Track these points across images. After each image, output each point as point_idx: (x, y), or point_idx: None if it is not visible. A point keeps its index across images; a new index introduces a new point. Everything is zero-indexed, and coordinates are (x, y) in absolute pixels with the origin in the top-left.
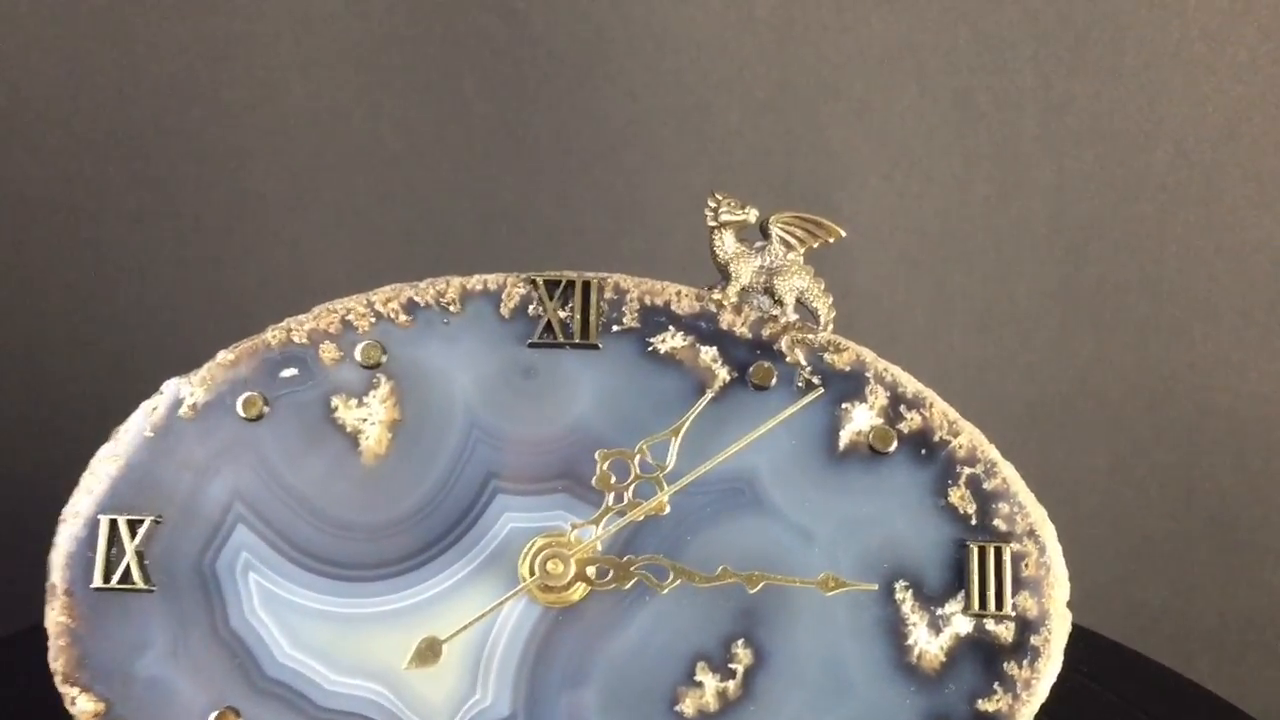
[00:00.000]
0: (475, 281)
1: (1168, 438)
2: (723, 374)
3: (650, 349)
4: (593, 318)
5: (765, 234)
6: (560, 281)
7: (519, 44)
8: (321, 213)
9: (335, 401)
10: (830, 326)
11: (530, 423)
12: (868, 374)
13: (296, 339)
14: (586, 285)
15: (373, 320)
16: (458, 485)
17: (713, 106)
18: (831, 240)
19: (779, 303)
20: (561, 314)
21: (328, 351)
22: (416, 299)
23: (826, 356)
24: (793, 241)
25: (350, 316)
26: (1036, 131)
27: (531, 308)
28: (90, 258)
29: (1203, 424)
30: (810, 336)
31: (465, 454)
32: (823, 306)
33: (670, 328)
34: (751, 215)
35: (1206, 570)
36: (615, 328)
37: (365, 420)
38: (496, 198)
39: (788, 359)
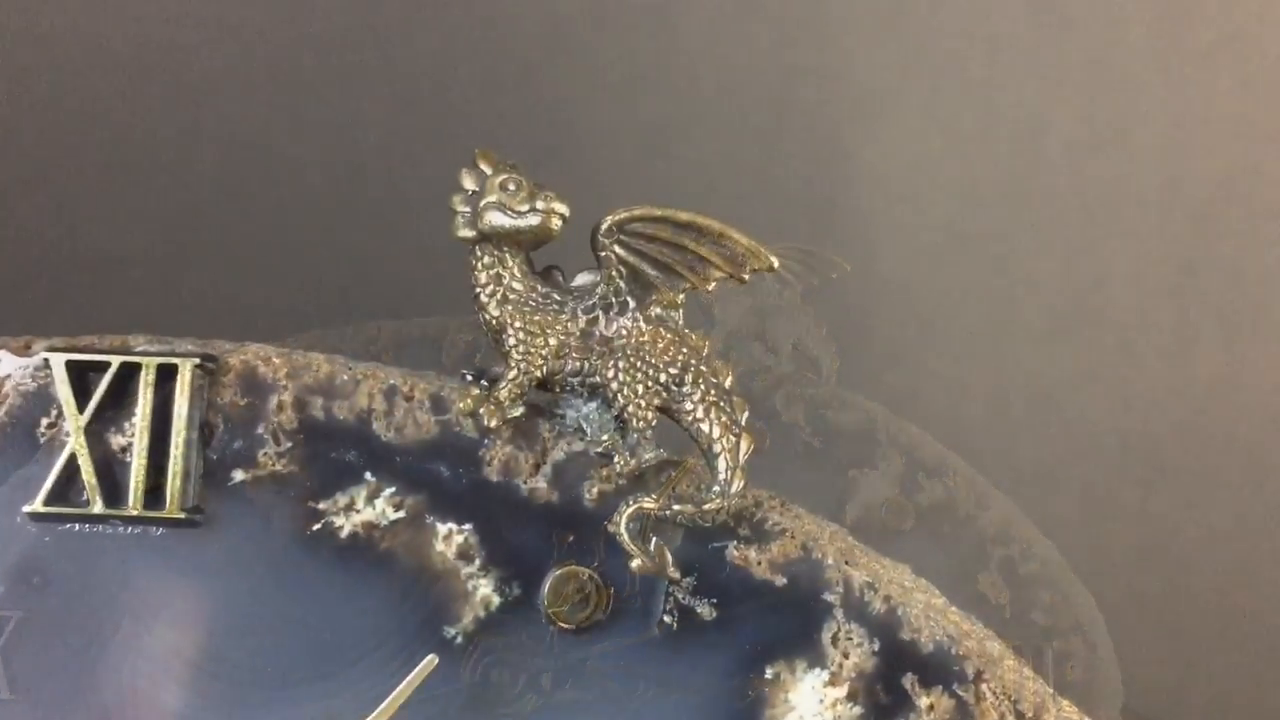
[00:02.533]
0: None
1: None
2: (485, 591)
3: (321, 527)
4: (178, 450)
5: (599, 255)
6: (106, 364)
7: (454, 75)
8: (242, 255)
9: None
10: (743, 470)
11: (53, 689)
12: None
13: None
14: (166, 373)
15: None
16: None
17: (685, 8)
18: (760, 268)
19: (616, 428)
20: (115, 441)
21: None
22: None
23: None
24: (648, 273)
25: None
26: (1149, 46)
27: (44, 423)
28: None
29: None
30: (682, 504)
31: None
32: (718, 427)
33: (367, 473)
34: (552, 215)
35: None
36: (240, 472)
37: None
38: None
39: (638, 563)
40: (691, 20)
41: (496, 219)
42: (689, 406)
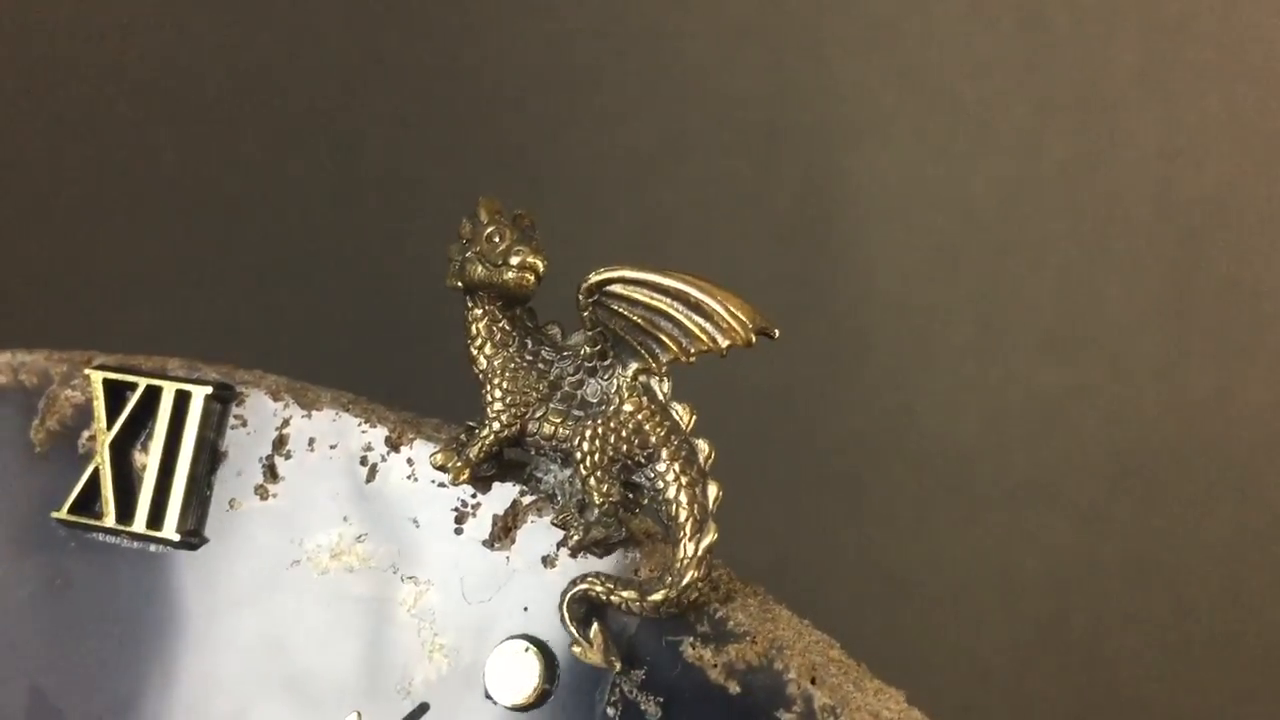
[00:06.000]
0: (1, 365)
1: None
2: (438, 654)
3: (302, 564)
4: (184, 470)
5: (583, 315)
6: (136, 384)
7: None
8: (245, 277)
9: None
10: (700, 562)
11: (70, 688)
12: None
13: None
14: (183, 399)
15: None
16: None
17: (679, 30)
18: (737, 342)
19: (581, 499)
20: (138, 458)
21: None
22: None
23: (689, 647)
24: (629, 339)
25: None
26: (1139, 64)
27: (85, 435)
28: None
29: None
30: (627, 591)
31: None
32: (684, 510)
33: (346, 517)
34: (525, 271)
35: None
36: (238, 502)
37: None
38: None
39: (578, 648)
40: (686, 44)
41: (476, 271)
42: (660, 485)
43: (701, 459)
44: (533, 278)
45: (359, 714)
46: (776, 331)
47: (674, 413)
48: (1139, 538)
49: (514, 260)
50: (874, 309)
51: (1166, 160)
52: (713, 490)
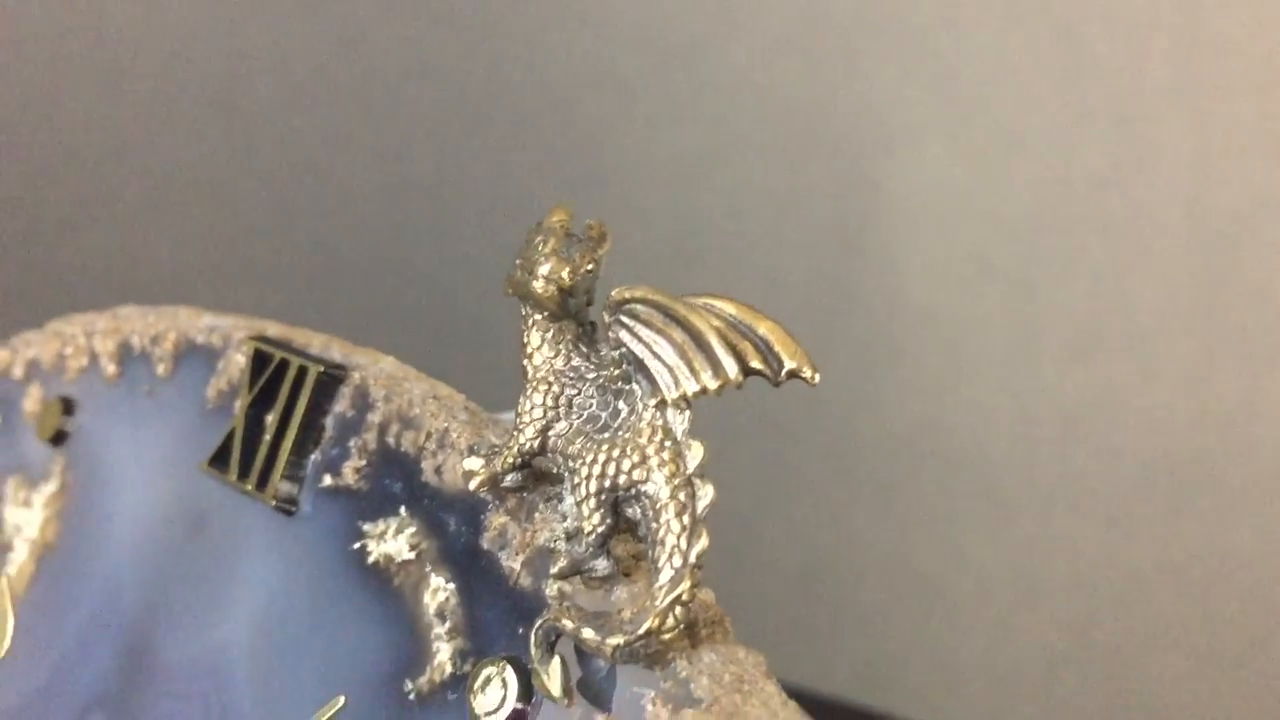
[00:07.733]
0: (202, 327)
1: None
2: (443, 657)
3: (359, 548)
4: (288, 443)
5: (607, 334)
6: (272, 357)
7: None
8: (290, 276)
9: (10, 486)
10: (665, 613)
11: (179, 623)
12: None
13: (16, 371)
14: (302, 373)
15: (85, 361)
16: (63, 694)
17: (717, 39)
18: (726, 383)
19: (579, 525)
20: (268, 419)
21: (32, 399)
22: (133, 340)
23: (650, 703)
24: (646, 364)
25: (68, 349)
26: (1172, 74)
27: (239, 397)
28: None
29: None
30: (589, 630)
31: (84, 649)
32: (664, 555)
33: (402, 508)
34: (549, 283)
35: None
36: (329, 477)
37: (20, 531)
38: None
39: (536, 680)
40: (725, 55)
41: (515, 278)
42: (653, 526)
43: (700, 505)
44: (555, 290)
45: (343, 698)
46: (816, 376)
47: (685, 450)
48: (1167, 543)
49: (540, 270)
50: (906, 315)
51: (1198, 170)
52: (700, 543)
